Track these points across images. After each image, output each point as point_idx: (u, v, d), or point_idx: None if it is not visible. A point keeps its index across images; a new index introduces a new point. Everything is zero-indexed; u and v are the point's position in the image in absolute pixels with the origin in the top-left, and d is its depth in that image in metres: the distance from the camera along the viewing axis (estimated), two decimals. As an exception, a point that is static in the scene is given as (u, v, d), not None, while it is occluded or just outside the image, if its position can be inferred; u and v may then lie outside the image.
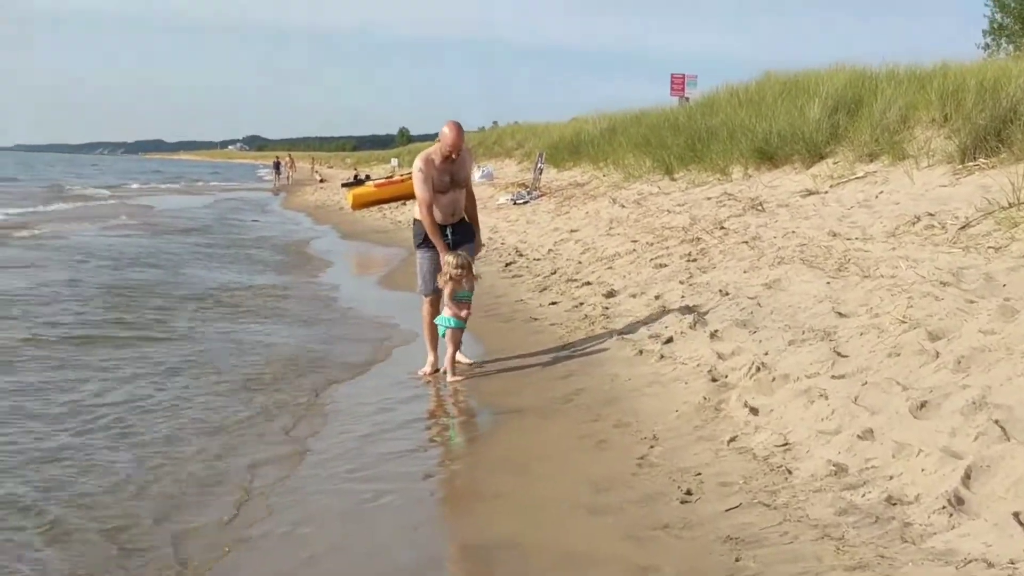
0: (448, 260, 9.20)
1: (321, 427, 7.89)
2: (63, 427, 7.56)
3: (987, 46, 47.54)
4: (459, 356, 9.53)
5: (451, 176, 9.43)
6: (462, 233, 9.67)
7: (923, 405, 5.76)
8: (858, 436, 5.70)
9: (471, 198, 9.86)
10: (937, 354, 6.50)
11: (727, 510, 5.26)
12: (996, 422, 5.16)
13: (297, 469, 6.85)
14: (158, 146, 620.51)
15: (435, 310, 9.61)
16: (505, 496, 6.06)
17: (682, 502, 5.49)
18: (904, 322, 7.39)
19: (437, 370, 9.48)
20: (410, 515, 5.92)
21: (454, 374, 9.25)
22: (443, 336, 9.39)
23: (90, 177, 79.85)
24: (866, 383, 6.46)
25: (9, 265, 17.33)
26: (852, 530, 4.70)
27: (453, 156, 9.31)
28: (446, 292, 9.24)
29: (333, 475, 6.72)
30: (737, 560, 4.62)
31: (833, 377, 6.82)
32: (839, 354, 7.27)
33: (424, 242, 9.58)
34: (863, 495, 5.05)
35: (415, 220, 9.69)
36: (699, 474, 5.91)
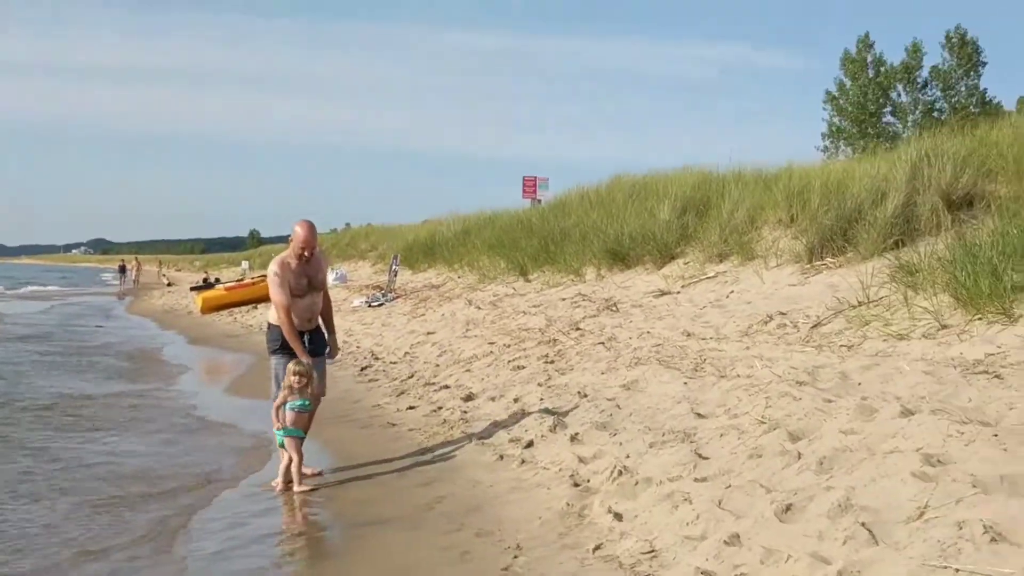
0: (289, 367, 9.09)
1: (168, 547, 7.47)
2: None
3: (826, 148, 49.48)
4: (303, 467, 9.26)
5: (308, 279, 9.36)
6: (318, 342, 9.61)
7: (788, 508, 5.73)
8: (725, 542, 5.61)
9: (327, 301, 9.79)
10: (799, 455, 6.51)
11: (595, 624, 5.11)
12: (863, 525, 5.13)
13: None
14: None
15: None
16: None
17: (549, 617, 5.32)
18: (763, 422, 7.41)
19: (290, 480, 9.13)
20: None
21: (300, 484, 8.94)
22: (281, 446, 9.13)
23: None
24: (730, 486, 6.42)
25: None
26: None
27: (307, 255, 9.27)
28: (279, 399, 9.09)
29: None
30: None
31: (696, 480, 6.77)
32: (701, 456, 7.24)
33: (281, 348, 9.37)
34: (733, 604, 4.95)
35: (270, 325, 9.57)
36: (565, 585, 5.76)
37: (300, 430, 9.10)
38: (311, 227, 9.37)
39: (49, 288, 71.24)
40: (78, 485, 9.24)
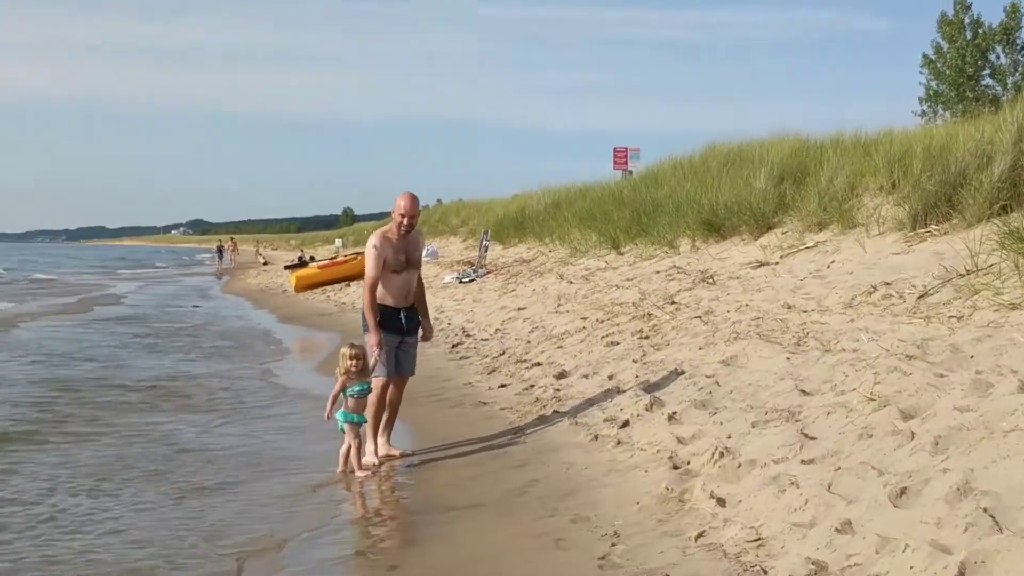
0: (343, 352, 8.91)
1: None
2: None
3: (924, 113, 48.17)
4: (387, 448, 9.25)
5: (406, 255, 9.25)
6: (412, 320, 9.47)
7: (903, 492, 5.34)
8: (836, 529, 5.25)
9: (420, 282, 9.65)
10: (912, 434, 6.10)
11: (702, 619, 4.80)
12: (985, 510, 4.74)
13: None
14: (99, 232, 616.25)
15: (386, 394, 9.24)
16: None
17: (651, 610, 5.02)
18: (873, 400, 7.02)
19: (380, 462, 9.06)
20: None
21: (360, 469, 8.78)
22: (341, 430, 8.87)
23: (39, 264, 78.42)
24: (839, 468, 6.04)
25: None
26: (842, 641, 4.24)
27: (407, 225, 9.12)
28: (336, 387, 8.84)
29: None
30: None
31: (803, 462, 6.41)
32: (807, 436, 6.88)
33: (381, 324, 9.14)
34: (849, 598, 4.60)
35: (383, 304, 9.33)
36: (667, 576, 5.45)
37: (362, 416, 8.90)
38: (413, 198, 9.23)
39: (148, 270, 72.51)
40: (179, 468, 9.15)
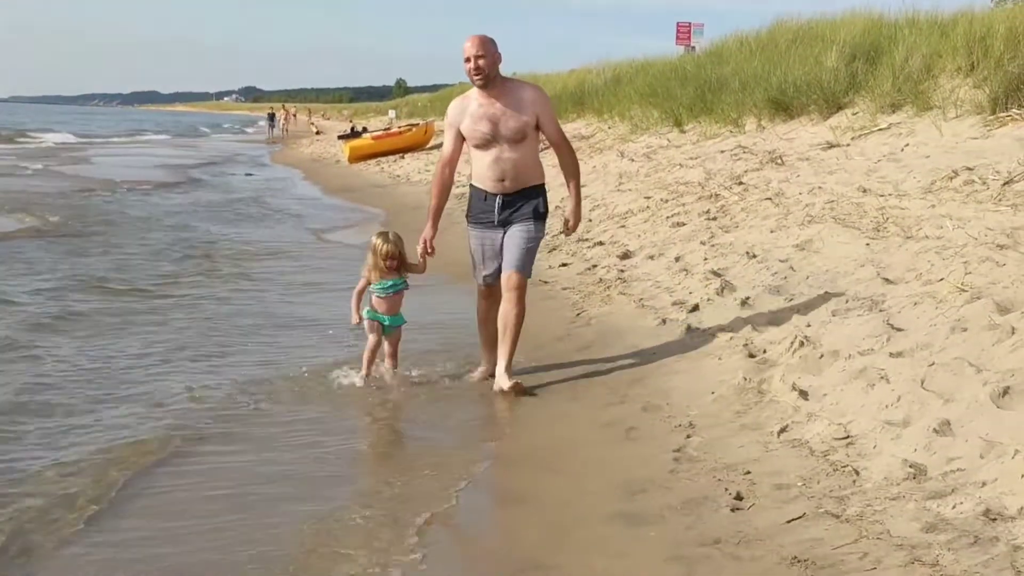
0: (374, 243, 7.51)
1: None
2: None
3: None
4: (504, 378, 7.19)
5: (492, 123, 7.07)
6: (515, 208, 7.26)
7: (1006, 392, 4.96)
8: (934, 430, 4.89)
9: (567, 154, 7.43)
10: (1012, 330, 5.67)
11: (789, 521, 4.48)
12: (1101, 414, 4.38)
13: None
14: (153, 97, 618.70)
15: (488, 303, 7.60)
16: (529, 501, 5.27)
17: (733, 510, 4.71)
18: (964, 290, 6.59)
19: (491, 375, 7.49)
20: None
21: (366, 372, 7.56)
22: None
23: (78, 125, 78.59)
24: (933, 364, 5.64)
25: None
26: (948, 553, 3.91)
27: (472, 68, 6.95)
28: (360, 284, 7.60)
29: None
30: (811, 591, 3.86)
31: (891, 355, 6.01)
32: (894, 327, 6.48)
33: (472, 216, 7.46)
34: (953, 506, 4.25)
35: (471, 184, 7.51)
36: (748, 473, 5.13)
37: (396, 317, 7.60)
38: (480, 39, 7.05)
39: (200, 138, 72.42)
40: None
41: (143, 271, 12.24)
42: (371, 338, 7.55)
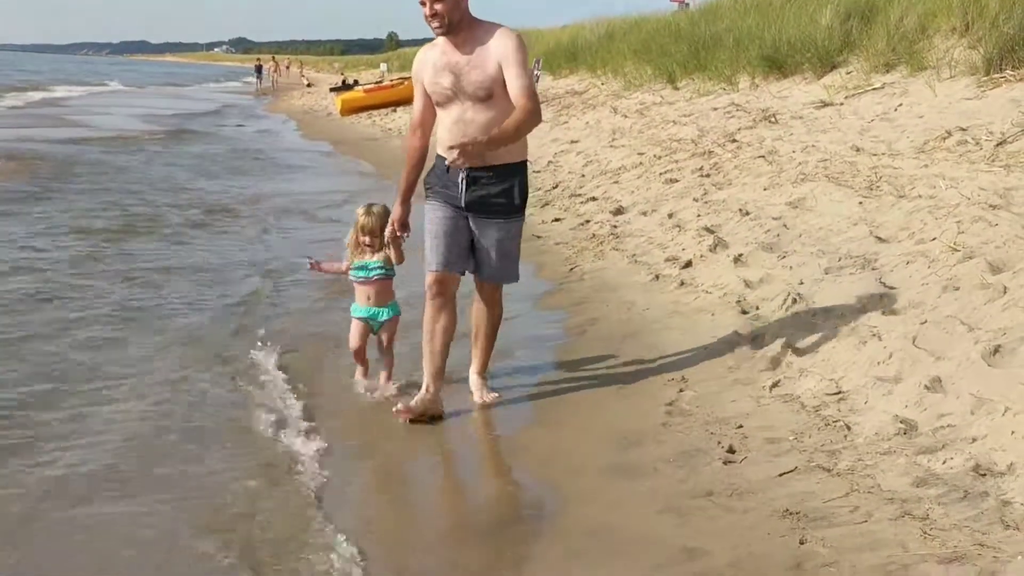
0: (358, 215, 6.40)
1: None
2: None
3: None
4: (479, 389, 6.20)
5: (454, 75, 5.60)
6: (485, 188, 5.71)
7: (997, 350, 5.01)
8: (925, 387, 4.94)
9: (524, 110, 5.47)
10: (1004, 289, 5.71)
11: (780, 475, 4.54)
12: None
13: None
14: (142, 47, 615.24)
15: (438, 304, 5.85)
16: (526, 451, 5.35)
17: (725, 463, 4.76)
18: (956, 250, 6.63)
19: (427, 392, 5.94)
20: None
21: (362, 375, 6.61)
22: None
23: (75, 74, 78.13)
24: (925, 321, 5.69)
25: None
26: (937, 507, 3.97)
27: (428, 13, 5.53)
28: (345, 264, 6.54)
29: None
30: (802, 543, 3.90)
31: (883, 313, 6.06)
32: (886, 285, 6.52)
33: (431, 188, 5.89)
34: (943, 462, 4.31)
35: (437, 154, 5.89)
36: (740, 427, 5.18)
37: (369, 308, 6.44)
38: None
39: (188, 87, 71.97)
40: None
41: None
42: (351, 340, 6.51)
